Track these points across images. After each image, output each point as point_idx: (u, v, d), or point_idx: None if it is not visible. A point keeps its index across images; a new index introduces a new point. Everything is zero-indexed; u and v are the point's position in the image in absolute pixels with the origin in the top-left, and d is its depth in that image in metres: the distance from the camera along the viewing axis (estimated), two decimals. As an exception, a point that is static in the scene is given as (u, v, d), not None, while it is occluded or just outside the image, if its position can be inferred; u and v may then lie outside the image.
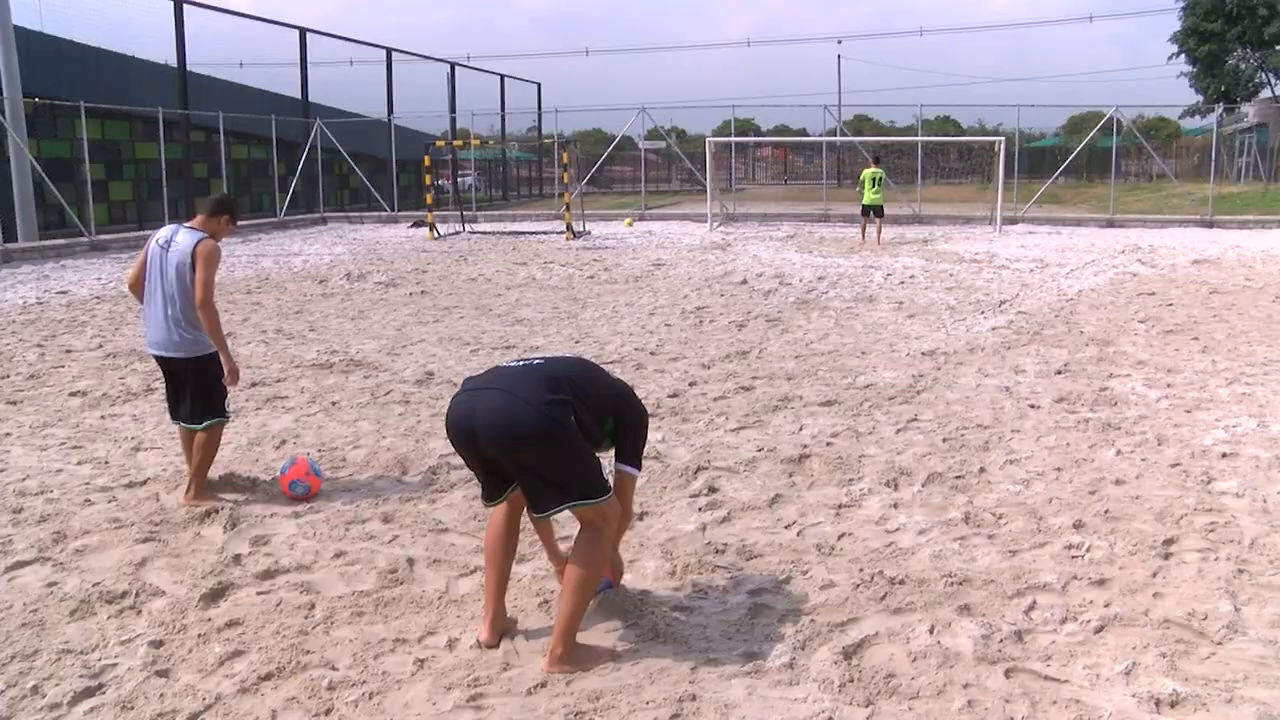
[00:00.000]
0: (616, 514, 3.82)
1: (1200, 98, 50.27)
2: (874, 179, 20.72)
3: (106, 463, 6.21)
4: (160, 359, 5.66)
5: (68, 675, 3.66)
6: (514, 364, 3.88)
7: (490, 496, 3.88)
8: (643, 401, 4.15)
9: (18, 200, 20.22)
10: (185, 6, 26.72)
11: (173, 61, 27.18)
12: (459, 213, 27.27)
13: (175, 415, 5.72)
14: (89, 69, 25.77)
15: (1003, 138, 25.74)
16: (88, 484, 5.85)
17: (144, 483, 5.82)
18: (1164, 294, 13.13)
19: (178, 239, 5.60)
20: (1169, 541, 4.79)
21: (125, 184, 26.90)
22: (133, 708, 3.46)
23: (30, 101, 20.86)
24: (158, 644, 3.90)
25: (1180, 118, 52.17)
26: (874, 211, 20.71)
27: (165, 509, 5.38)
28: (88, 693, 3.55)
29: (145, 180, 26.78)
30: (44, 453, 6.49)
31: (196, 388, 5.57)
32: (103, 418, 7.32)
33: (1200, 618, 3.99)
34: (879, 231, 20.92)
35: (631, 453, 3.95)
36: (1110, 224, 25.72)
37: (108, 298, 13.70)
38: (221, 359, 5.55)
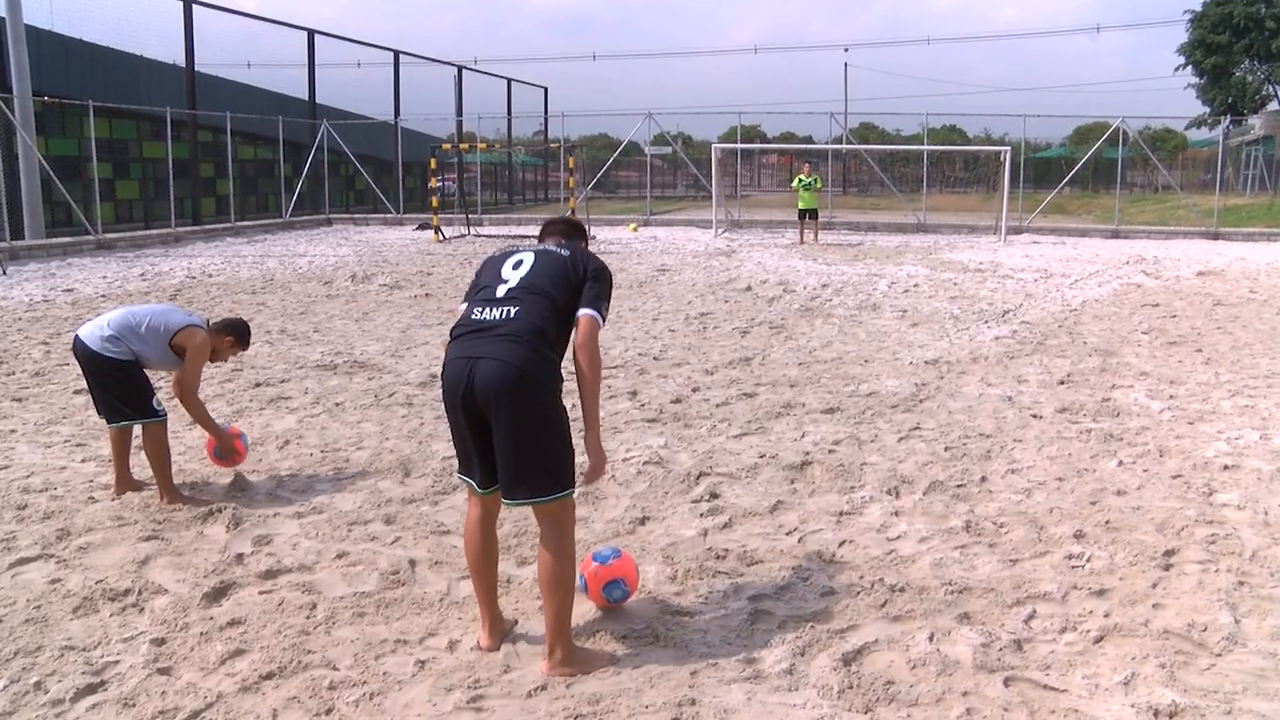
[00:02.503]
0: (573, 514, 3.78)
1: (1207, 109, 50.30)
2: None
3: (110, 461, 6.22)
4: (85, 351, 5.50)
5: (70, 672, 3.68)
6: (497, 319, 3.64)
7: (463, 470, 3.85)
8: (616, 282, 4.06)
9: (25, 198, 20.27)
10: (194, 7, 26.80)
11: (181, 61, 27.27)
12: (464, 216, 27.32)
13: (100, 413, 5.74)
14: (97, 68, 25.82)
15: (1008, 147, 25.79)
16: (91, 482, 5.87)
17: (147, 481, 5.83)
18: (1168, 305, 13.14)
19: (183, 311, 5.76)
20: (1170, 552, 4.79)
21: (132, 183, 26.96)
22: (134, 705, 3.48)
23: (39, 100, 20.93)
24: (160, 642, 3.92)
25: (1186, 129, 52.18)
26: (812, 214, 23.20)
27: (168, 508, 5.39)
28: (90, 689, 3.57)
29: (152, 179, 26.84)
30: (48, 450, 6.51)
31: (110, 388, 5.51)
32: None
33: (1200, 629, 4.00)
34: (816, 233, 23.06)
35: (591, 300, 3.73)
36: (1115, 235, 25.75)
37: (113, 296, 13.73)
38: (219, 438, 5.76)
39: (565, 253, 3.81)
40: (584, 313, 3.67)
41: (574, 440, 3.74)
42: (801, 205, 22.81)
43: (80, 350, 5.51)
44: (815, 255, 20.21)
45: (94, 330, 5.50)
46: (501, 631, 3.96)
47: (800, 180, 22.97)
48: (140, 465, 5.85)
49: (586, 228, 4.18)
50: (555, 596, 3.67)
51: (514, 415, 3.53)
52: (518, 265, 3.79)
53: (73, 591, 4.35)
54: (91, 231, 21.29)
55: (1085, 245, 23.12)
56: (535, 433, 3.56)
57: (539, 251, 3.84)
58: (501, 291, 3.71)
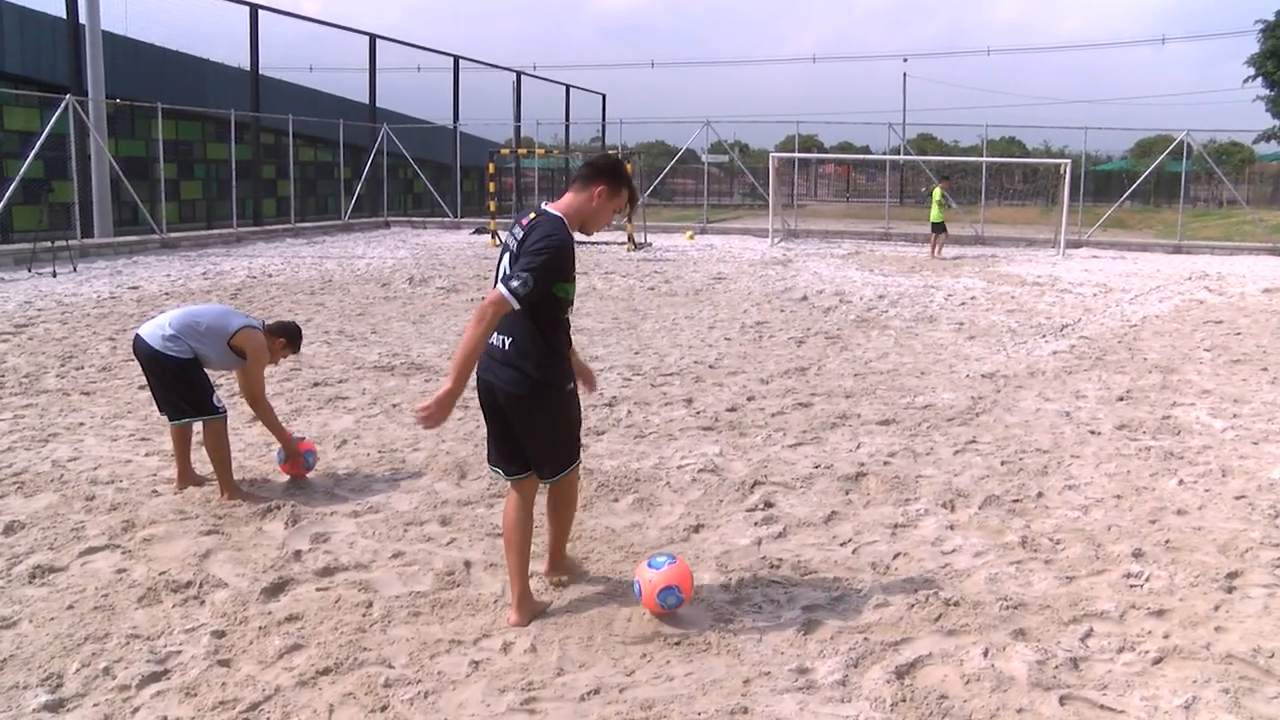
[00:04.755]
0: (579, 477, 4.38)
1: (1277, 122, 49.14)
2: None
3: (173, 455, 6.35)
4: (145, 349, 5.60)
5: (136, 659, 3.78)
6: (497, 347, 4.03)
7: (490, 461, 4.33)
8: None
9: (96, 198, 20.76)
10: (259, 12, 27.27)
11: (245, 65, 27.77)
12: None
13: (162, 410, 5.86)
14: (166, 71, 26.38)
15: (1068, 160, 25.42)
16: (154, 475, 6.00)
17: (208, 477, 5.95)
18: (1232, 322, 12.88)
19: (240, 313, 5.86)
20: (1233, 575, 4.70)
21: (196, 183, 27.49)
22: (196, 694, 3.56)
23: (111, 102, 21.42)
24: (220, 634, 4.00)
25: (1254, 143, 51.07)
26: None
27: (228, 503, 5.50)
28: (154, 677, 3.66)
29: (215, 180, 27.35)
30: (114, 443, 6.67)
31: (172, 385, 5.63)
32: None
33: (1267, 655, 3.91)
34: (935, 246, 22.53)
35: (509, 275, 3.84)
36: (1177, 250, 25.29)
37: (176, 294, 14.00)
38: (285, 444, 5.86)
39: (516, 246, 3.95)
40: (496, 287, 3.84)
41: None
42: (938, 219, 22.35)
43: (141, 349, 5.64)
44: (873, 267, 20.07)
45: (155, 329, 5.62)
46: (530, 609, 4.18)
47: (941, 194, 22.54)
48: (201, 461, 5.96)
49: (623, 166, 4.20)
50: (560, 515, 4.38)
51: (524, 422, 4.07)
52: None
53: (138, 582, 4.45)
54: (156, 231, 21.75)
55: (1146, 260, 22.73)
56: (542, 430, 4.09)
57: (509, 253, 4.00)
58: None
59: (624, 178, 4.13)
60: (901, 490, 5.91)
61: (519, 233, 3.99)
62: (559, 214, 3.99)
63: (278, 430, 5.83)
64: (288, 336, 5.97)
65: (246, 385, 5.75)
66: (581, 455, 4.35)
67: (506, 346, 3.99)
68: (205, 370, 5.69)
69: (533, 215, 4.03)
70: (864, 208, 44.61)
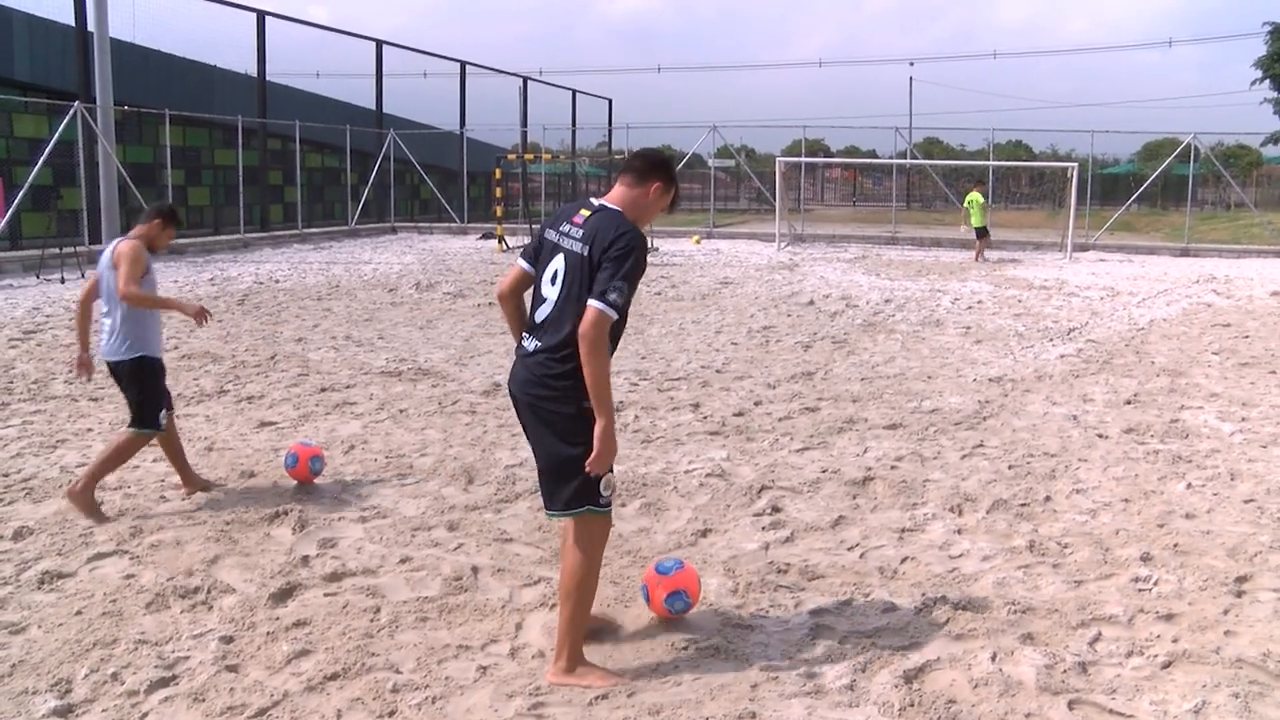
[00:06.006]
0: (599, 533, 3.76)
1: (1284, 124, 48.92)
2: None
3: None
4: (108, 364, 5.67)
5: (144, 665, 3.78)
6: (528, 350, 3.73)
7: None
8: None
9: (104, 204, 20.76)
10: (266, 18, 27.34)
11: (253, 71, 27.83)
12: (528, 226, 27.54)
13: None
14: (174, 78, 26.44)
15: (1075, 164, 25.39)
16: (162, 481, 6.01)
17: (216, 482, 5.96)
18: (1240, 325, 12.85)
19: (107, 250, 5.69)
20: (1242, 579, 4.68)
21: (203, 189, 27.51)
22: (204, 699, 3.56)
23: (119, 109, 21.47)
24: (228, 639, 4.01)
25: (1262, 145, 50.89)
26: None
27: (236, 509, 5.51)
28: (163, 683, 3.67)
29: (222, 186, 27.38)
30: (123, 449, 6.67)
31: (130, 393, 5.63)
32: (177, 417, 7.47)
33: (1276, 659, 3.89)
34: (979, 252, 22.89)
35: (600, 289, 3.54)
36: (1185, 253, 25.22)
37: (185, 300, 14.02)
38: (180, 308, 5.61)
39: (584, 250, 3.61)
40: (590, 304, 3.52)
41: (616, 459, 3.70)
42: (980, 223, 22.43)
43: (109, 366, 5.64)
44: (880, 271, 20.04)
45: (103, 342, 5.61)
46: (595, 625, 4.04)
47: (977, 199, 22.55)
48: (209, 465, 5.97)
49: (674, 164, 3.94)
50: (565, 606, 3.74)
51: (531, 435, 3.78)
52: (554, 278, 3.70)
53: (146, 587, 4.46)
54: (164, 237, 21.76)
55: (1153, 263, 22.68)
56: (543, 450, 3.73)
57: (567, 255, 3.68)
58: (540, 315, 3.72)
59: (675, 176, 3.93)
60: (909, 495, 5.90)
61: (575, 231, 3.66)
62: (618, 208, 3.72)
63: (165, 304, 5.64)
64: (162, 217, 5.80)
65: (120, 285, 5.52)
66: (604, 511, 3.73)
67: (534, 349, 3.69)
68: (157, 376, 5.65)
69: (585, 212, 3.71)
70: (870, 212, 44.53)
